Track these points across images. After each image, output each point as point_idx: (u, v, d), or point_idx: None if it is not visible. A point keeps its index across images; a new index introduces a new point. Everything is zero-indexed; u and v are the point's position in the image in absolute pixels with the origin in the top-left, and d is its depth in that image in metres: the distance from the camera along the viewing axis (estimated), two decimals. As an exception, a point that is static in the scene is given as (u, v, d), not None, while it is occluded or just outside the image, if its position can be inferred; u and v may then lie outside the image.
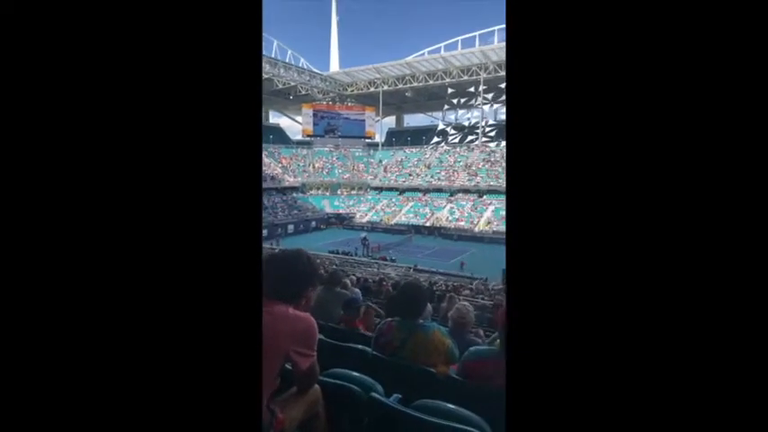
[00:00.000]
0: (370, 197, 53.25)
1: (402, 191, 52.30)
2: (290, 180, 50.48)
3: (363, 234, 36.79)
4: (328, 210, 48.34)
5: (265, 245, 26.41)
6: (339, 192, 54.68)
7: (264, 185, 46.12)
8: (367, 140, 64.84)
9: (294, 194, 49.10)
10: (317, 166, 59.12)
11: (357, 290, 5.37)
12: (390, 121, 79.00)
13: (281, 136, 63.87)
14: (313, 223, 43.76)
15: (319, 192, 54.17)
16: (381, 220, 45.24)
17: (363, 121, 64.45)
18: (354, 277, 10.34)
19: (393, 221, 44.91)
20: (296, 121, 76.45)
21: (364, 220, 46.41)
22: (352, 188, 55.42)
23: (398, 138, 69.14)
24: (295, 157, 58.66)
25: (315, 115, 61.30)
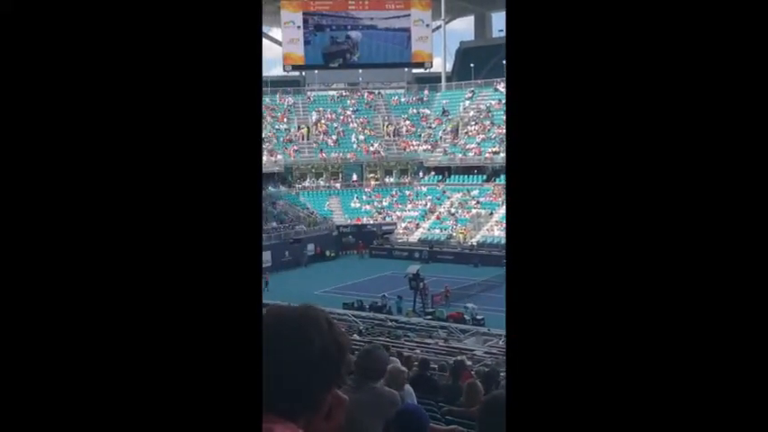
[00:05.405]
0: (424, 189, 36.09)
1: (492, 173, 35.27)
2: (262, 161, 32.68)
3: (413, 268, 25.19)
4: (339, 218, 34.58)
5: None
6: (360, 181, 36.47)
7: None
8: (415, 71, 42.60)
9: (270, 188, 32.58)
10: (313, 128, 38.43)
11: (408, 387, 4.08)
12: (465, 26, 52.61)
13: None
14: (309, 247, 31.24)
15: (320, 182, 35.30)
16: (452, 237, 32.51)
17: (406, 30, 37.31)
18: (397, 360, 6.28)
19: (476, 238, 32.00)
20: (272, 41, 49.56)
21: (414, 236, 33.78)
22: (388, 172, 37.75)
23: (482, 61, 46.56)
24: (270, 112, 35.93)
25: (306, 23, 36.98)
